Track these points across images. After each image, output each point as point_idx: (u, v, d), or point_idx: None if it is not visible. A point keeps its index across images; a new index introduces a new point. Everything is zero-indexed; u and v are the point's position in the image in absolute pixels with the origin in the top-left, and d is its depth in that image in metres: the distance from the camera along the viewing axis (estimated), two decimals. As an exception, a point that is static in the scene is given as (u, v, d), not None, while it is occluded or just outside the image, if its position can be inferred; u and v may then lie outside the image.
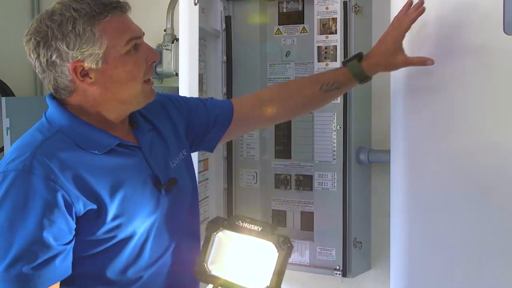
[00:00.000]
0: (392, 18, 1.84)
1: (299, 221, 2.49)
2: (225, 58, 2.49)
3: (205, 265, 1.43)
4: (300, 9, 2.43)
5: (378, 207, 2.47)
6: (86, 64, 1.37)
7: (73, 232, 1.36)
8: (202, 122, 1.71)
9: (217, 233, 1.44)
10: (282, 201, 2.51)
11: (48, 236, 1.31)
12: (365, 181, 2.46)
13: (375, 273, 2.51)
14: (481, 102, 1.73)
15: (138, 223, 1.43)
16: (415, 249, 1.85)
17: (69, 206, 1.33)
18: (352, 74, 1.75)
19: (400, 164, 1.87)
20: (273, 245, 1.36)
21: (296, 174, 2.47)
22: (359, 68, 1.74)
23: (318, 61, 2.33)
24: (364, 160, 2.36)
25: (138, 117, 1.55)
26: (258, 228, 1.38)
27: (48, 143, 1.38)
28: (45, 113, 1.47)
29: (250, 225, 1.40)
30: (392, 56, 1.72)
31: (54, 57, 1.37)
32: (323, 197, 2.36)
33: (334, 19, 2.29)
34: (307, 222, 2.46)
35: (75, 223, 1.35)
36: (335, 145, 2.33)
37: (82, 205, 1.35)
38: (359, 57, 1.75)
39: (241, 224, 1.40)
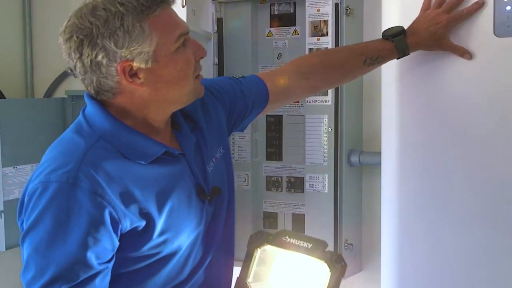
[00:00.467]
0: (383, 20, 1.85)
1: (291, 223, 2.48)
2: (216, 60, 2.48)
3: (247, 282, 1.32)
4: (291, 11, 2.42)
5: (369, 209, 2.46)
6: (135, 64, 1.26)
7: (115, 250, 1.26)
8: (241, 110, 1.62)
9: (260, 248, 1.32)
10: (273, 203, 2.50)
11: (91, 256, 1.21)
12: (356, 183, 2.46)
13: (366, 275, 2.50)
14: (473, 103, 1.74)
15: (184, 238, 1.35)
16: (406, 251, 1.85)
17: (115, 224, 1.23)
18: (397, 49, 1.72)
19: (391, 165, 1.87)
20: (325, 263, 1.26)
21: (287, 176, 2.46)
22: (405, 45, 1.72)
23: (310, 64, 2.33)
24: (355, 162, 2.36)
25: (179, 116, 1.44)
26: (307, 245, 1.27)
27: (92, 151, 1.26)
28: (83, 112, 1.35)
29: (298, 241, 1.28)
30: (441, 39, 1.71)
31: (100, 57, 1.25)
32: (314, 199, 2.36)
33: (326, 21, 2.29)
34: (298, 224, 2.45)
35: (119, 240, 1.26)
36: (326, 147, 2.32)
37: (129, 222, 1.25)
38: (402, 31, 1.72)
39: (288, 239, 1.29)
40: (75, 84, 2.97)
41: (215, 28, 2.48)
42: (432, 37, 1.71)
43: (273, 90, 1.66)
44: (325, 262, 1.26)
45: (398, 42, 1.72)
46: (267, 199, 2.51)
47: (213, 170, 1.46)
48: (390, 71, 1.84)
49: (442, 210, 1.80)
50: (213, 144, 1.49)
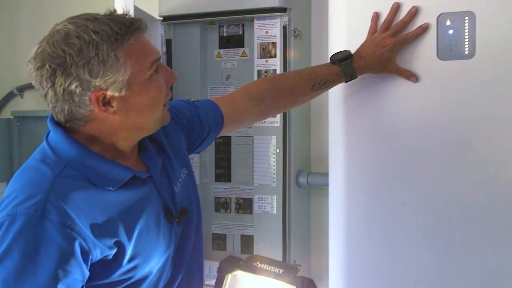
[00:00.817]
0: (330, 42, 1.87)
1: (239, 245, 2.46)
2: (165, 81, 2.46)
3: None
4: (240, 33, 2.43)
5: (317, 230, 2.46)
6: (109, 93, 1.24)
7: (86, 280, 1.24)
8: (198, 133, 1.62)
9: (231, 274, 1.31)
10: (222, 225, 2.48)
11: None
12: (305, 204, 2.46)
13: (315, 296, 2.50)
14: (418, 124, 1.77)
15: (154, 262, 1.33)
16: (354, 271, 1.86)
17: (85, 255, 1.21)
18: (344, 74, 1.75)
19: (338, 186, 1.88)
20: None
21: (236, 198, 2.45)
22: (352, 69, 1.74)
23: (258, 85, 2.33)
24: (304, 183, 2.36)
25: (145, 139, 1.42)
26: (278, 270, 1.27)
27: (60, 181, 1.22)
28: (46, 139, 1.31)
29: (270, 266, 1.28)
30: (387, 62, 1.75)
31: (73, 86, 1.22)
32: (263, 220, 2.35)
33: (274, 43, 2.30)
34: (247, 245, 2.43)
35: (89, 269, 1.23)
36: (274, 168, 2.32)
37: (99, 252, 1.23)
38: (349, 56, 1.75)
39: (259, 265, 1.29)
40: (22, 105, 2.92)
41: (164, 49, 2.46)
42: (378, 61, 1.74)
43: (227, 114, 1.67)
44: (296, 287, 1.26)
45: (345, 66, 1.74)
46: (216, 221, 2.49)
47: (180, 190, 1.45)
48: (337, 94, 1.86)
49: (389, 231, 1.81)
50: (177, 165, 1.48)
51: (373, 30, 1.79)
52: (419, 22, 1.74)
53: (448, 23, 1.72)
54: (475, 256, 1.73)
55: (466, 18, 1.71)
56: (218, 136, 1.72)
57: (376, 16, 1.78)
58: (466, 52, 1.71)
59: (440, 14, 1.73)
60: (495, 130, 1.70)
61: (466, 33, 1.71)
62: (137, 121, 1.31)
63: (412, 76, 1.75)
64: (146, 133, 1.38)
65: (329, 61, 1.79)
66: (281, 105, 1.85)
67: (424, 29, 1.73)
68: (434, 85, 1.75)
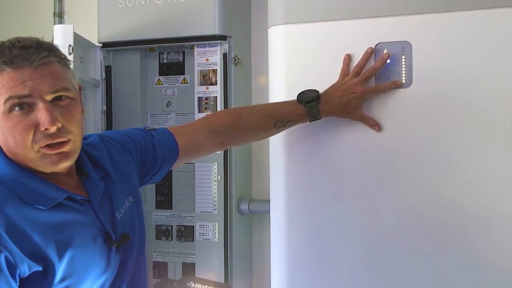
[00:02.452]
0: (270, 70, 1.87)
1: (181, 273, 2.41)
2: (105, 107, 2.41)
3: None
4: (180, 60, 2.40)
5: (259, 257, 2.45)
6: None
7: None
8: (151, 163, 1.61)
9: None
10: (163, 253, 2.43)
11: None
12: (247, 231, 2.44)
13: (257, 323, 2.47)
14: (355, 152, 1.77)
15: (88, 284, 1.31)
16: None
17: (12, 268, 1.20)
18: (308, 115, 1.73)
19: (279, 213, 1.87)
20: None
21: (177, 225, 2.41)
22: (317, 111, 1.72)
23: (199, 112, 2.32)
24: (245, 210, 2.35)
25: (88, 164, 1.41)
26: None
27: None
28: None
29: (203, 286, 1.30)
30: (353, 109, 1.73)
31: None
32: (205, 247, 2.32)
33: (214, 71, 2.29)
34: (189, 273, 2.39)
35: (19, 285, 1.22)
36: (216, 195, 2.30)
37: (27, 267, 1.21)
38: (316, 97, 1.72)
39: (193, 285, 1.31)
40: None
41: (104, 75, 2.42)
42: (345, 107, 1.73)
43: (183, 145, 1.66)
44: None
45: (310, 108, 1.72)
46: (157, 248, 2.44)
47: (123, 217, 1.43)
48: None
49: (329, 258, 1.81)
50: (122, 192, 1.47)
51: (344, 72, 1.77)
52: (358, 50, 1.75)
53: (386, 52, 1.73)
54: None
55: (403, 47, 1.72)
56: (177, 165, 1.71)
57: (348, 58, 1.77)
58: (404, 81, 1.72)
59: (378, 44, 1.74)
60: (432, 161, 1.72)
61: (403, 63, 1.72)
62: (14, 149, 1.28)
63: (375, 125, 1.74)
64: (44, 170, 1.31)
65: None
66: (241, 140, 1.86)
67: (397, 84, 1.73)
68: (371, 114, 1.75)
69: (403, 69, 1.73)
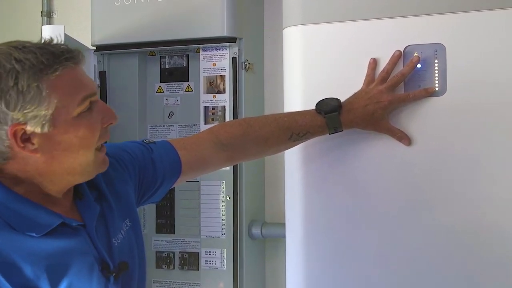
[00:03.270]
0: (285, 76, 1.87)
1: (184, 306, 2.42)
2: (99, 118, 2.43)
3: None
4: (184, 65, 2.42)
5: (273, 287, 2.45)
6: (29, 128, 1.23)
7: None
8: (151, 180, 1.60)
9: None
10: (164, 283, 2.43)
11: None
12: (259, 258, 2.44)
13: None
14: (380, 169, 1.77)
15: None
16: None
17: None
18: (328, 126, 1.72)
19: (296, 238, 1.86)
20: None
21: (180, 252, 2.41)
22: (338, 123, 1.71)
23: (205, 123, 2.32)
24: (257, 234, 2.35)
25: (82, 184, 1.41)
26: None
27: None
28: None
29: None
30: (379, 120, 1.73)
31: None
32: (211, 277, 2.32)
33: (223, 77, 2.30)
34: (193, 306, 2.40)
35: None
36: (224, 218, 2.30)
37: None
38: (337, 107, 1.71)
39: None
40: None
41: (98, 82, 2.43)
42: (370, 117, 1.72)
43: (186, 160, 1.66)
44: None
45: (330, 119, 1.71)
46: (157, 278, 2.45)
47: (120, 243, 1.43)
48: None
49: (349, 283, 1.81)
50: (119, 215, 1.46)
51: (369, 79, 1.76)
52: (385, 54, 1.76)
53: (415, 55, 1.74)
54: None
55: (436, 50, 1.72)
56: (179, 183, 1.71)
57: (374, 63, 1.76)
58: (437, 89, 1.72)
59: (407, 46, 1.75)
60: (470, 180, 1.71)
61: (436, 68, 1.72)
62: (64, 162, 1.30)
63: (404, 138, 1.74)
64: (79, 179, 1.37)
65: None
66: (252, 154, 1.85)
67: (429, 92, 1.72)
68: (400, 125, 1.75)
69: (436, 74, 1.72)
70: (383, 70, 1.75)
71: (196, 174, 1.82)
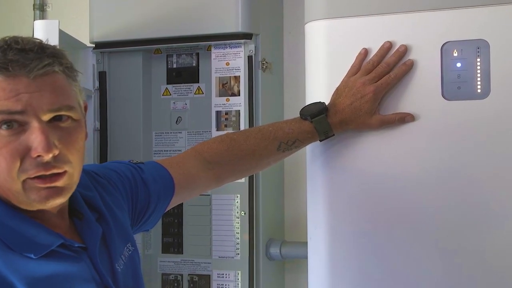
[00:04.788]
0: (307, 75, 1.88)
1: (194, 336, 2.43)
2: (98, 125, 2.44)
3: None
4: (194, 64, 2.43)
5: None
6: None
7: None
8: (143, 203, 1.61)
9: None
10: (172, 310, 2.45)
11: None
12: (278, 281, 2.44)
13: None
14: (417, 181, 1.77)
15: None
16: None
17: None
18: (318, 131, 1.76)
19: (319, 259, 1.86)
20: None
21: (189, 274, 2.42)
22: (327, 126, 1.75)
23: (217, 130, 2.33)
24: (276, 254, 2.35)
25: (81, 203, 1.41)
26: None
27: None
28: None
29: None
30: (367, 115, 1.75)
31: None
32: (224, 303, 2.32)
33: (237, 78, 2.30)
34: (204, 336, 2.40)
35: None
36: (238, 236, 2.31)
37: None
38: (323, 109, 1.76)
39: None
40: None
41: (97, 84, 2.45)
42: (358, 115, 1.76)
43: (177, 179, 1.68)
44: None
45: (318, 123, 1.76)
46: (164, 304, 2.46)
47: (123, 270, 1.43)
48: (316, 148, 1.86)
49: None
50: (120, 239, 1.47)
51: (354, 70, 1.80)
52: (419, 52, 1.76)
53: (456, 54, 1.74)
54: None
55: (478, 47, 1.72)
56: (170, 207, 1.72)
57: (365, 54, 1.79)
58: (479, 91, 1.72)
59: (445, 43, 1.75)
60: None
61: (478, 67, 1.72)
62: None
63: (406, 116, 1.76)
64: (24, 206, 1.31)
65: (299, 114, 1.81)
66: (240, 170, 1.88)
67: (408, 66, 1.75)
68: (438, 131, 1.75)
69: (478, 75, 1.72)
70: (369, 61, 1.79)
71: (185, 195, 1.80)
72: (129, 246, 1.49)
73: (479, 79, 1.72)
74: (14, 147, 1.23)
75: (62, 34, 2.18)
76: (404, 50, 1.75)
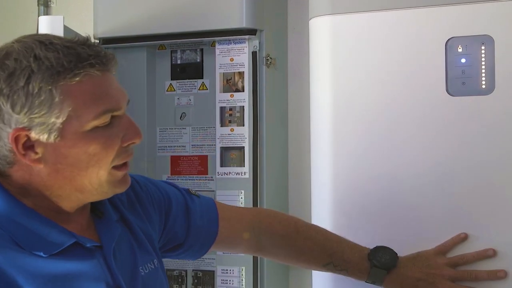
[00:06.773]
0: (312, 72, 1.88)
1: (198, 331, 2.43)
2: (102, 121, 2.44)
3: None
4: (198, 60, 2.43)
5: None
6: (33, 135, 1.23)
7: None
8: (176, 233, 1.61)
9: None
10: (176, 305, 2.45)
11: None
12: (282, 276, 2.44)
13: None
14: (425, 178, 1.77)
15: None
16: None
17: None
18: (369, 277, 1.72)
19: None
20: None
21: (193, 270, 2.42)
22: (381, 281, 1.72)
23: (221, 125, 2.33)
24: (280, 250, 2.35)
25: (104, 201, 1.42)
26: None
27: None
28: None
29: None
30: None
31: None
32: (228, 299, 2.33)
33: (241, 74, 2.30)
34: (208, 332, 2.40)
35: None
36: (243, 230, 2.30)
37: None
38: (391, 266, 1.72)
39: None
40: None
41: (101, 79, 2.45)
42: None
43: (222, 234, 1.67)
44: None
45: (375, 275, 1.72)
46: (168, 300, 2.46)
47: (149, 274, 1.44)
48: (321, 135, 1.86)
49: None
50: (145, 248, 1.47)
51: (443, 249, 1.76)
52: (424, 47, 1.76)
53: (460, 49, 1.73)
54: None
55: (482, 43, 1.72)
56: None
57: (464, 239, 1.76)
58: (483, 86, 1.72)
59: (450, 39, 1.74)
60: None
61: (483, 63, 1.72)
62: (71, 178, 1.29)
63: (498, 272, 1.73)
64: (91, 197, 1.35)
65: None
66: (280, 258, 1.86)
67: (491, 255, 1.73)
68: (443, 127, 1.75)
69: (483, 70, 1.72)
70: (463, 256, 1.74)
71: (219, 249, 1.88)
72: (154, 261, 1.49)
73: (483, 74, 1.73)
74: (114, 139, 1.29)
75: (66, 30, 2.18)
76: (492, 254, 1.72)
